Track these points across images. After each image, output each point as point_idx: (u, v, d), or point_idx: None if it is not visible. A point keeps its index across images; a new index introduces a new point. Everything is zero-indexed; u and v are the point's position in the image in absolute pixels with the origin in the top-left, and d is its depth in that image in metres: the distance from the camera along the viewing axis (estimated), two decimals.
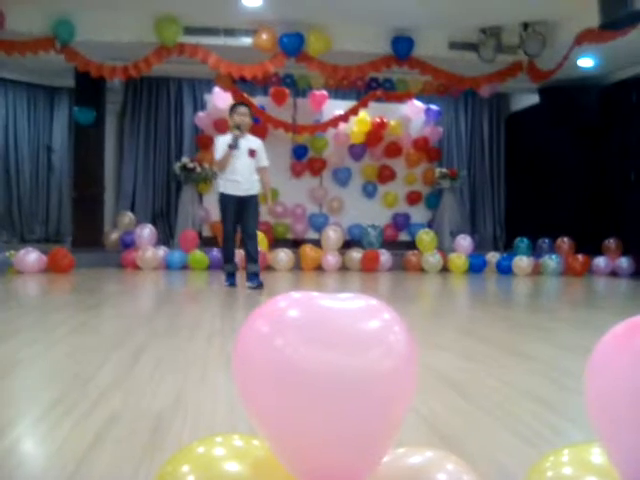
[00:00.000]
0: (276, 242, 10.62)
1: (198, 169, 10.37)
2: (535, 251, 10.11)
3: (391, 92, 10.85)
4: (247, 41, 8.80)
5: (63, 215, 12.01)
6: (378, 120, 11.27)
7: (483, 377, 2.88)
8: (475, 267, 9.68)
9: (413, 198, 11.82)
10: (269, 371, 1.00)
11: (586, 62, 9.43)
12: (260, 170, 6.66)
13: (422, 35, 8.96)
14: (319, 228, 10.87)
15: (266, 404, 1.02)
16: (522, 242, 9.96)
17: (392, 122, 11.38)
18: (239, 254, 7.28)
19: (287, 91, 11.07)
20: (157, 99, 12.07)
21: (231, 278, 6.73)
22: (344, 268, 9.68)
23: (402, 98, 11.23)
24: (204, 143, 11.08)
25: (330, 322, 1.01)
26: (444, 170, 11.60)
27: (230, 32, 8.80)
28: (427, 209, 11.97)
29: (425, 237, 9.88)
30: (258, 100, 11.09)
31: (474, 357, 3.34)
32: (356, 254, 9.71)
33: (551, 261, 9.59)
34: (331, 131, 11.23)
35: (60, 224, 12.11)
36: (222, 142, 6.44)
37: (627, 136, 9.99)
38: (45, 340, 3.54)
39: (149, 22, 8.52)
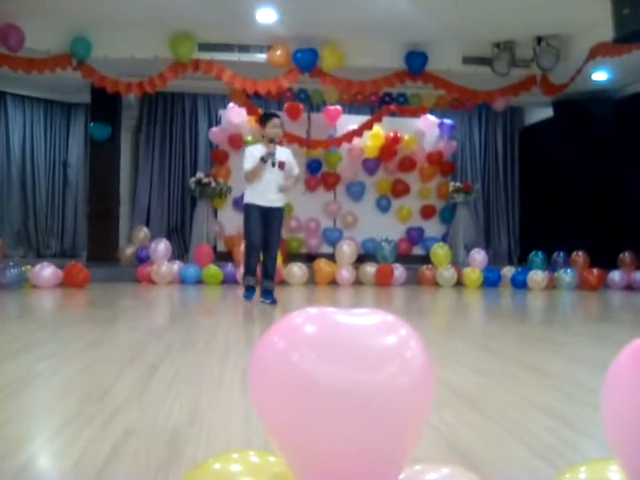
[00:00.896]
0: (290, 256, 10.62)
1: (213, 184, 10.42)
2: (550, 265, 10.05)
3: (405, 107, 10.88)
4: (261, 57, 8.86)
5: (78, 230, 12.09)
6: (392, 134, 11.30)
7: (499, 392, 2.86)
8: (490, 281, 9.63)
9: (427, 212, 11.80)
10: (285, 387, 1.00)
11: (600, 76, 9.42)
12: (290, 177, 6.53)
13: (436, 50, 8.98)
14: (333, 242, 10.88)
15: (283, 420, 1.02)
16: (537, 256, 9.90)
17: (406, 136, 11.40)
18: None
19: (301, 106, 11.13)
20: (172, 114, 12.16)
21: (250, 292, 6.60)
22: (358, 282, 9.66)
23: (416, 112, 11.26)
24: (219, 158, 11.14)
25: (346, 338, 1.01)
26: (458, 184, 11.59)
27: (244, 48, 8.86)
28: (441, 223, 11.95)
29: (439, 251, 9.84)
30: None
31: (489, 372, 3.32)
32: (370, 268, 9.69)
33: (566, 275, 9.53)
34: (345, 146, 11.26)
35: (75, 239, 12.19)
36: (254, 153, 6.28)
37: None
38: (61, 354, 3.55)
39: (164, 38, 8.60)
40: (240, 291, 7.07)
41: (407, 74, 9.11)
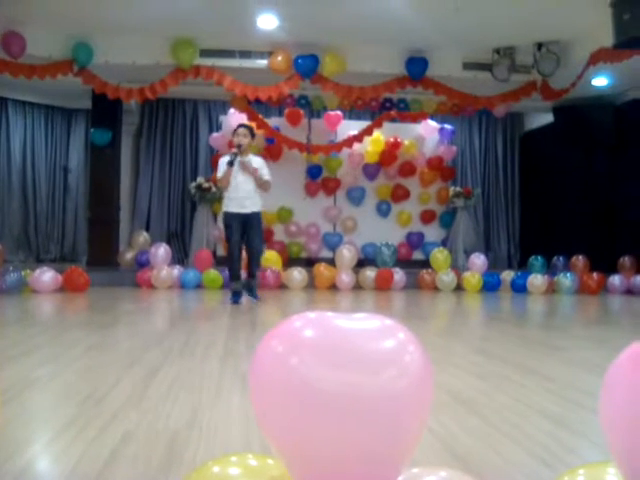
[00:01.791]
0: (290, 261, 10.63)
1: (213, 189, 10.43)
2: (550, 269, 10.05)
3: (405, 112, 10.90)
4: (262, 63, 8.89)
5: (78, 234, 12.10)
6: (392, 140, 11.32)
7: (498, 395, 2.86)
8: (489, 286, 9.63)
9: (427, 217, 11.81)
10: (285, 391, 1.01)
11: (600, 81, 9.43)
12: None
13: (436, 56, 9.01)
14: (333, 247, 10.89)
15: (282, 423, 1.03)
16: (536, 260, 9.89)
17: (406, 142, 11.42)
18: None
19: (302, 112, 11.15)
20: (173, 120, 12.19)
21: (236, 296, 6.98)
22: (358, 287, 9.66)
23: (416, 118, 11.28)
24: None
25: (345, 342, 1.02)
26: (458, 189, 11.61)
27: (245, 54, 8.88)
28: (441, 228, 11.95)
29: (439, 256, 9.85)
30: (273, 121, 11.17)
31: (488, 375, 3.32)
32: (370, 273, 9.69)
33: (566, 279, 9.53)
34: (345, 151, 11.27)
35: (75, 243, 12.20)
36: (223, 161, 6.89)
37: None
38: (60, 359, 3.55)
39: (166, 45, 8.63)
40: None
41: (407, 80, 9.14)
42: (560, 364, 3.78)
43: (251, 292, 7.10)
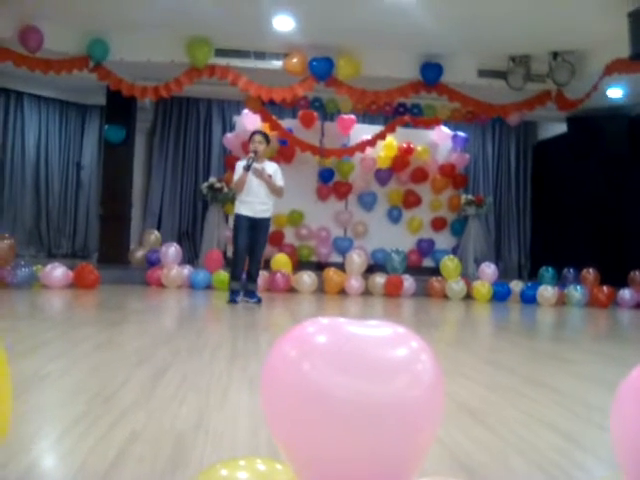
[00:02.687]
0: (300, 264, 10.62)
1: (225, 189, 10.43)
2: (560, 281, 9.99)
3: (419, 118, 10.89)
4: (277, 64, 8.90)
5: (90, 231, 12.14)
6: (405, 145, 11.31)
7: (506, 408, 2.85)
8: (499, 295, 9.58)
9: (438, 224, 11.78)
10: (296, 396, 1.01)
11: (615, 92, 9.38)
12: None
13: (451, 62, 8.99)
14: (343, 252, 10.86)
15: (292, 429, 1.03)
16: (547, 271, 9.84)
17: (419, 148, 11.40)
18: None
19: (315, 114, 11.15)
20: (187, 119, 12.22)
21: (234, 295, 7.13)
22: (367, 293, 9.64)
23: (430, 124, 11.26)
24: (232, 164, 11.09)
25: (358, 349, 1.01)
26: (470, 197, 11.57)
27: (261, 55, 8.89)
28: (452, 235, 11.92)
29: (449, 264, 9.82)
30: (286, 123, 11.18)
31: (497, 387, 3.31)
32: (379, 279, 9.67)
33: (576, 292, 9.47)
34: (358, 155, 11.26)
35: (87, 240, 12.25)
36: (239, 165, 7.07)
37: None
38: (69, 355, 3.57)
39: (181, 43, 8.65)
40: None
41: (422, 85, 9.12)
42: (570, 377, 3.76)
43: (253, 294, 7.20)
